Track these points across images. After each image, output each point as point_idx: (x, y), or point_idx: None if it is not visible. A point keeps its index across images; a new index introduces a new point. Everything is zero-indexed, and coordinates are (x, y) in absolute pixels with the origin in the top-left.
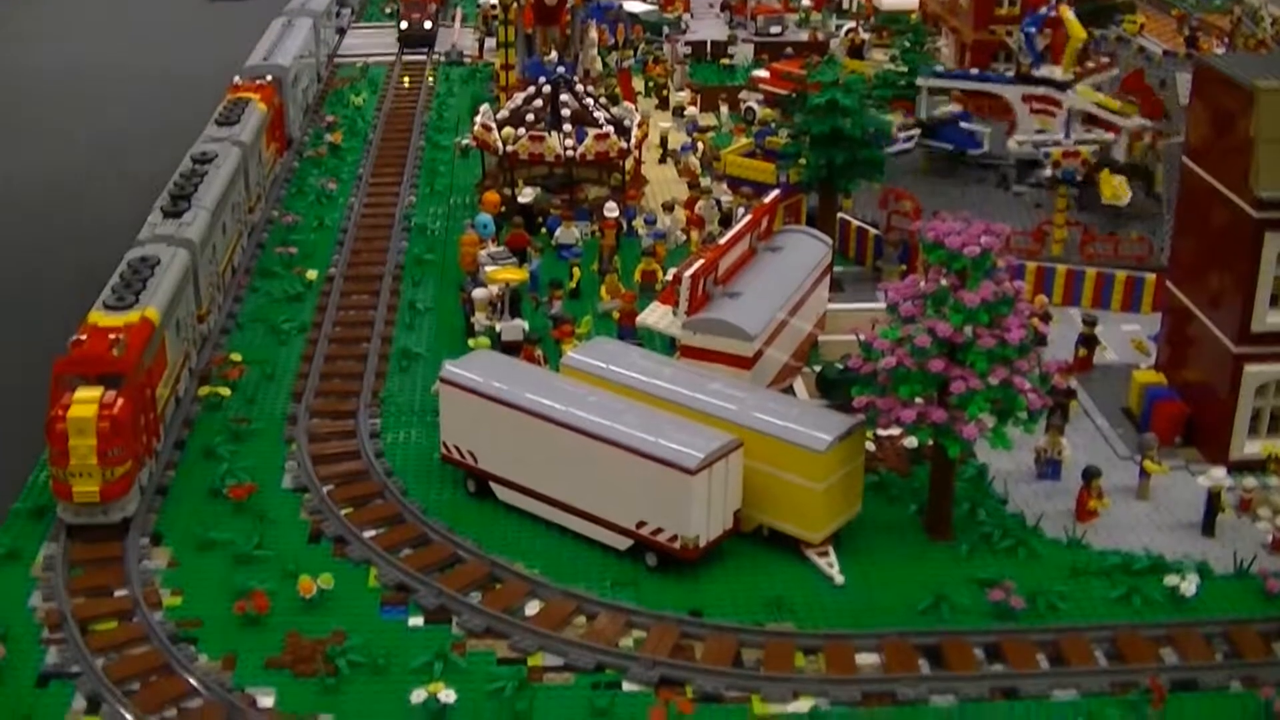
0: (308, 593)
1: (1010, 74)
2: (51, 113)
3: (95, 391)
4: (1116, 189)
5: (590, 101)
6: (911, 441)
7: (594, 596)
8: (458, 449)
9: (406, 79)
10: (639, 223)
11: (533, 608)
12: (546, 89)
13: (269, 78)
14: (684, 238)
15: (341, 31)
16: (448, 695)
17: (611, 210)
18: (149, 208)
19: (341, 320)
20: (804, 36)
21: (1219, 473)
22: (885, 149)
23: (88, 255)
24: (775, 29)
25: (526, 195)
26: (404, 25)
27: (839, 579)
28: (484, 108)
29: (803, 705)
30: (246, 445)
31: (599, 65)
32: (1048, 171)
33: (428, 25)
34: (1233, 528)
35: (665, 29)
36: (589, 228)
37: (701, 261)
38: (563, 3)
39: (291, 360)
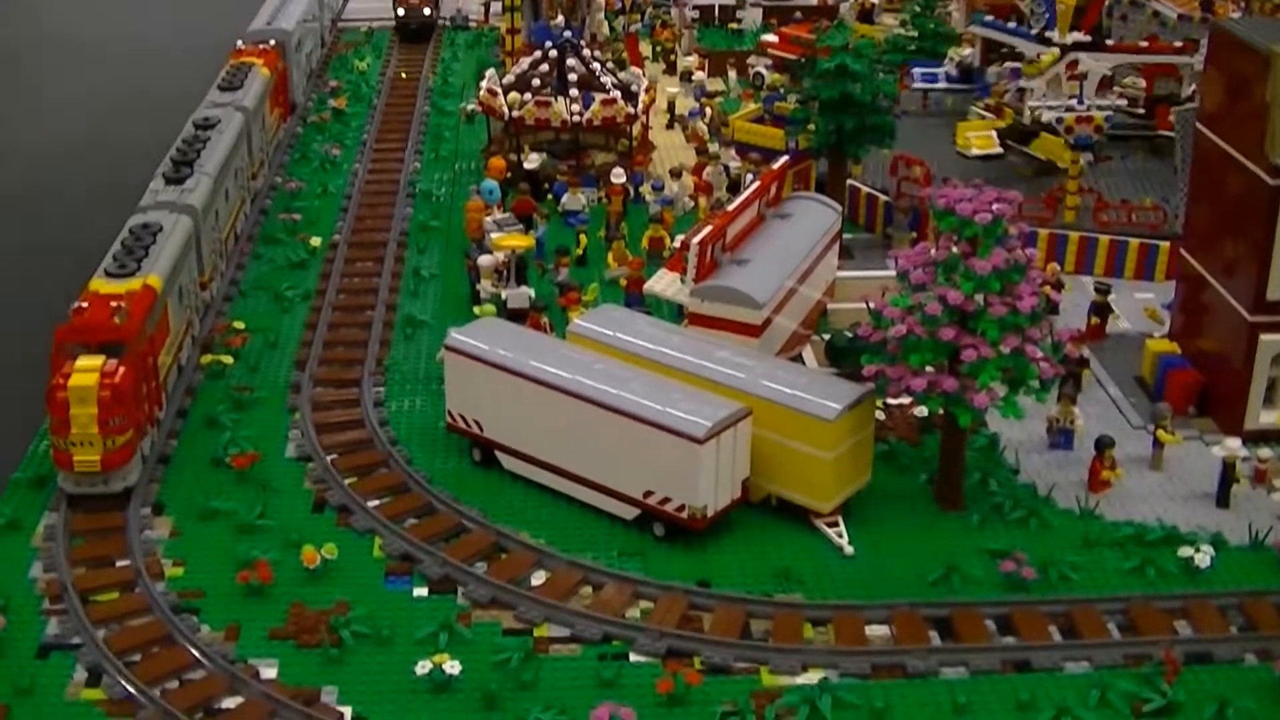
0: (311, 563)
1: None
2: (53, 78)
3: (97, 360)
4: (979, 140)
5: (597, 66)
6: (922, 410)
7: (601, 567)
8: (463, 418)
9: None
10: (646, 189)
11: (539, 578)
12: (553, 53)
13: (272, 42)
14: (692, 204)
15: None
16: (453, 666)
17: (619, 176)
18: (151, 174)
19: (345, 287)
20: (813, 0)
21: (1234, 443)
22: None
23: (89, 222)
24: None
25: (532, 161)
26: (400, 12)
27: (848, 549)
28: (490, 72)
29: (811, 677)
30: (249, 414)
31: (606, 29)
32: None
33: (427, 12)
34: (1248, 499)
35: None
36: (596, 194)
37: (709, 228)
38: None
39: (295, 328)
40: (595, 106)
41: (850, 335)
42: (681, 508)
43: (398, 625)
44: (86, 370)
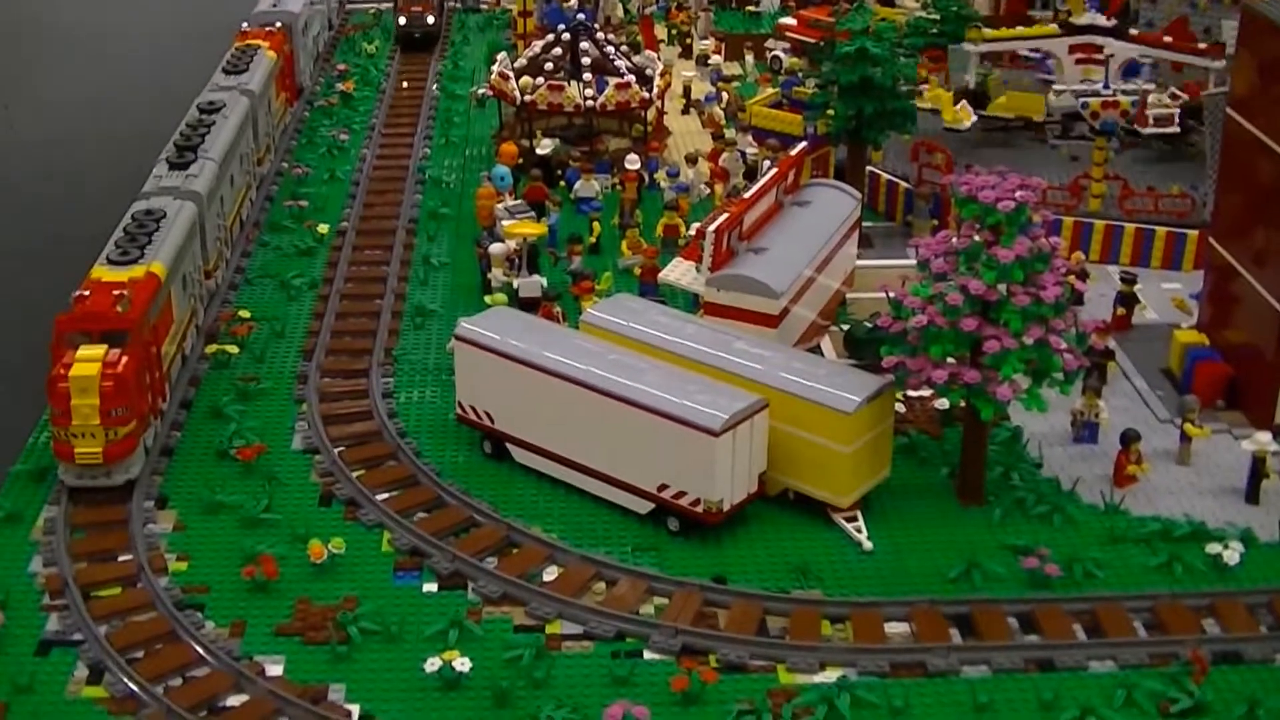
0: (318, 557)
1: (1050, 21)
2: (55, 62)
3: (98, 349)
4: (958, 113)
5: (611, 49)
6: (943, 403)
7: (614, 562)
8: (473, 409)
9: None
10: (661, 175)
11: (551, 573)
12: (566, 36)
13: (278, 24)
14: (708, 191)
15: None
16: (463, 663)
17: (633, 162)
18: (154, 159)
19: (353, 276)
20: None
21: (1264, 437)
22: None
23: (91, 208)
24: None
25: (545, 147)
26: (402, 21)
27: (867, 545)
28: (501, 56)
29: (830, 675)
30: (255, 405)
31: (620, 12)
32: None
33: (431, 20)
34: (1278, 494)
35: None
36: (609, 180)
37: (726, 216)
38: None
39: (302, 317)
40: (609, 91)
41: (870, 326)
42: (697, 501)
43: (406, 621)
44: (88, 360)
